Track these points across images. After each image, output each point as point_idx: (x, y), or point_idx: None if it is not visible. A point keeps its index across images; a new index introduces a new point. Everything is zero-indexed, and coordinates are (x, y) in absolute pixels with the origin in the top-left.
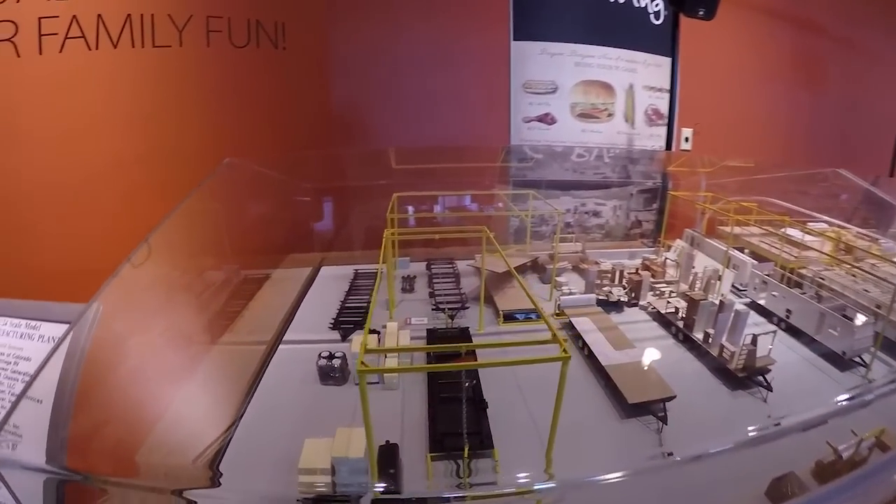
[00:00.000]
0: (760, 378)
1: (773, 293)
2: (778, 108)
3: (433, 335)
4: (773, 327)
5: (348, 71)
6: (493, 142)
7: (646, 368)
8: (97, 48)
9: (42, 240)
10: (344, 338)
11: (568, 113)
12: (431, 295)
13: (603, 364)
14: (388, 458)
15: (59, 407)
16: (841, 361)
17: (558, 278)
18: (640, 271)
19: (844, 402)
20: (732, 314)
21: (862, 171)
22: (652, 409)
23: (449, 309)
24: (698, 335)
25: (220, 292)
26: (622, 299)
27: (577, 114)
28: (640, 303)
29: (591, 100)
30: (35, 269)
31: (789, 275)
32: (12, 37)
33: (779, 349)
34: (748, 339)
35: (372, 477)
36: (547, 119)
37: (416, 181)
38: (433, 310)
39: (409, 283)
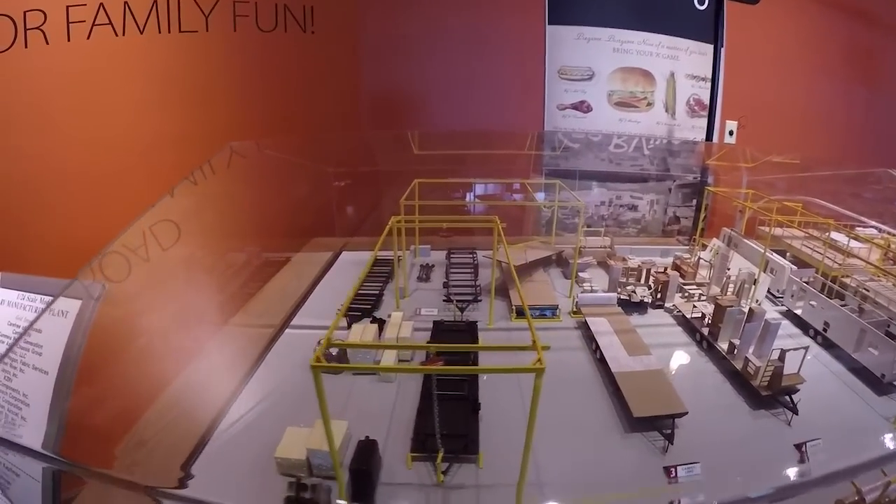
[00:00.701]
0: (787, 398)
1: (811, 303)
2: (831, 103)
3: (439, 327)
4: (808, 341)
5: (379, 55)
6: (527, 129)
7: (659, 379)
8: (124, 34)
9: (72, 220)
10: (350, 325)
11: (605, 101)
12: (445, 285)
13: (613, 371)
14: (364, 455)
15: (60, 384)
16: (879, 384)
17: (582, 274)
18: (668, 271)
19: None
20: (762, 324)
21: None
22: (659, 425)
23: (459, 301)
24: (723, 345)
25: (236, 275)
26: (646, 300)
27: (615, 102)
28: (666, 305)
29: (629, 88)
30: (63, 247)
31: (831, 284)
32: (41, 25)
33: (812, 366)
34: (776, 354)
35: (336, 474)
36: (583, 107)
37: (443, 167)
38: (444, 301)
39: (426, 273)
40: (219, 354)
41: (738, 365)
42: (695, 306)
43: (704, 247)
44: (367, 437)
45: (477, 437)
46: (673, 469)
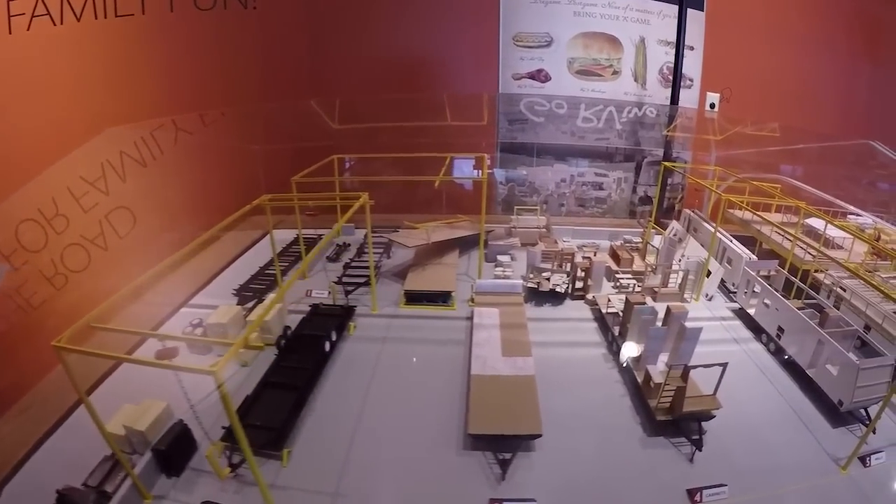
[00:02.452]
0: (696, 425)
1: (766, 302)
2: (830, 78)
3: (315, 312)
4: (757, 349)
5: (326, 28)
6: (479, 102)
7: (523, 389)
8: (62, 23)
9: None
10: (240, 305)
11: (564, 69)
12: (346, 266)
13: (472, 373)
14: (168, 438)
15: None
16: (836, 413)
17: (503, 257)
18: (595, 257)
19: None
20: (677, 329)
21: None
22: (500, 447)
23: (347, 284)
24: (631, 349)
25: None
26: (559, 289)
27: (576, 70)
28: (587, 297)
29: (592, 55)
30: None
31: (795, 279)
32: None
33: (753, 383)
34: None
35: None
36: (540, 76)
37: (391, 140)
38: (334, 283)
39: (336, 252)
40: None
41: (641, 377)
42: (609, 300)
43: (663, 230)
44: (181, 420)
45: (288, 433)
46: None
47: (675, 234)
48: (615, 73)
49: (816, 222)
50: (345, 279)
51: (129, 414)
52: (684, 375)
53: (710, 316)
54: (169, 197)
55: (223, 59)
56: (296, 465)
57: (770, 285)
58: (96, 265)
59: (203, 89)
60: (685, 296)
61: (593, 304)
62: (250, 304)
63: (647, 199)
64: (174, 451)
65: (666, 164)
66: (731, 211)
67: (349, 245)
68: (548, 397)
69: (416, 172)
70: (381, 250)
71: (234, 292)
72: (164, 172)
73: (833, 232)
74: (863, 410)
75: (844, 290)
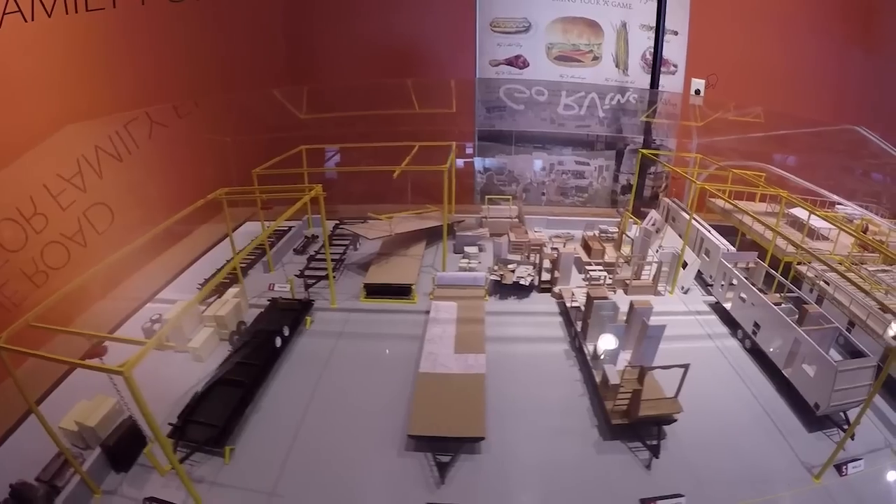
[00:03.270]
0: (657, 429)
1: (742, 296)
2: (822, 65)
3: (273, 306)
4: (732, 346)
5: (302, 14)
6: (455, 89)
7: (471, 388)
8: (33, 20)
9: None
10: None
11: (543, 55)
12: (310, 259)
13: (419, 370)
14: (120, 435)
15: None
16: (813, 417)
17: (470, 249)
18: (563, 248)
19: None
20: (639, 326)
21: None
22: (441, 449)
23: (309, 277)
24: (591, 347)
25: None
26: (523, 282)
27: (555, 56)
28: (554, 290)
29: (571, 40)
30: None
31: (775, 272)
32: None
33: (725, 382)
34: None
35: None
36: (518, 62)
37: (359, 128)
38: (296, 276)
39: (304, 245)
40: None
41: (599, 377)
42: (573, 293)
43: (641, 219)
44: (131, 416)
45: (231, 430)
46: None
47: (653, 224)
48: (595, 58)
49: (801, 212)
50: (307, 272)
51: (82, 410)
52: (641, 377)
53: (684, 310)
54: (144, 191)
55: (197, 49)
56: (237, 462)
57: (748, 278)
58: (76, 261)
59: (178, 80)
60: (659, 288)
61: (560, 297)
62: (211, 300)
63: (629, 188)
64: (122, 446)
65: (643, 151)
66: (713, 200)
67: (318, 237)
68: (501, 397)
69: (390, 162)
70: (346, 242)
71: (199, 286)
72: (139, 166)
73: (818, 223)
74: (842, 414)
75: (828, 284)
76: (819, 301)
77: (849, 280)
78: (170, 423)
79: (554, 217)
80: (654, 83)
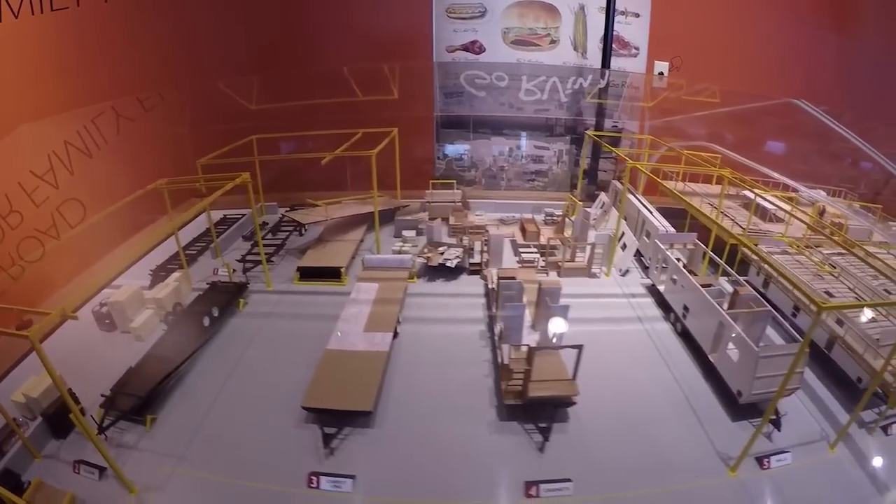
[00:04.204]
0: (549, 413)
1: (673, 278)
2: (792, 48)
3: (211, 289)
4: (664, 329)
5: (263, 3)
6: (413, 74)
7: (370, 365)
8: (0, 21)
9: None
10: (152, 284)
11: (499, 40)
12: (254, 244)
13: (326, 348)
14: (59, 405)
15: None
16: (738, 406)
17: (407, 232)
18: (495, 230)
19: None
20: (547, 306)
21: None
22: (331, 421)
23: (247, 262)
24: (499, 328)
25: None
26: (449, 264)
27: (511, 41)
28: (485, 272)
29: (528, 24)
30: None
31: (711, 254)
32: None
33: (648, 366)
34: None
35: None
36: (474, 48)
37: (320, 116)
38: (238, 261)
39: (252, 231)
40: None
41: (500, 358)
42: (489, 276)
43: (591, 201)
44: (70, 388)
45: (153, 401)
46: (316, 479)
47: (602, 206)
48: (553, 42)
49: (751, 194)
50: (249, 257)
51: (31, 383)
52: (529, 357)
53: (618, 292)
54: (111, 184)
55: (161, 42)
56: (157, 429)
57: (680, 260)
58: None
59: (142, 74)
60: (594, 270)
61: (485, 279)
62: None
63: (590, 171)
64: (60, 415)
65: (590, 133)
66: (666, 182)
67: (268, 224)
68: (407, 375)
69: (348, 149)
70: (291, 228)
71: (150, 272)
72: (107, 160)
73: (770, 205)
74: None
75: (773, 267)
76: (766, 285)
77: (769, 264)
78: (102, 395)
79: (503, 201)
80: (605, 64)
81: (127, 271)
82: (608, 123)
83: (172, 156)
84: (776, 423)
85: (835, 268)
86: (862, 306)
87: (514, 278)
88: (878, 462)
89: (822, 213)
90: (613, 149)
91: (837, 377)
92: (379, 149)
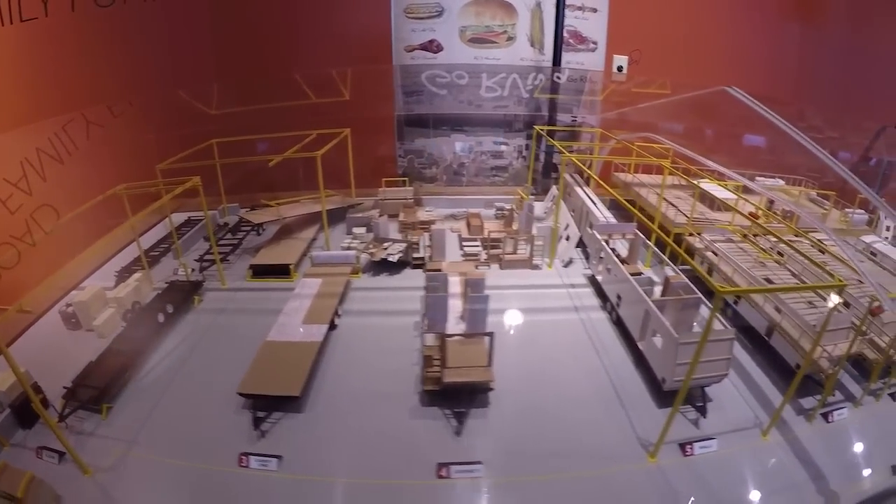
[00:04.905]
0: (466, 398)
1: (608, 267)
2: (755, 40)
3: (169, 287)
4: (601, 318)
5: (225, 10)
6: (374, 74)
7: (301, 354)
8: None
9: None
10: (116, 285)
11: (457, 38)
12: (211, 245)
13: (266, 339)
14: (24, 398)
15: None
16: (664, 393)
17: (357, 229)
18: (433, 225)
19: None
20: (475, 296)
21: (868, 121)
22: (263, 406)
23: (203, 262)
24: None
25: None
26: (391, 259)
27: (469, 39)
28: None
29: (485, 22)
30: None
31: (651, 244)
32: None
33: (579, 356)
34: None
35: None
36: (432, 47)
37: (287, 119)
38: (196, 261)
39: (214, 232)
40: None
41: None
42: (427, 269)
43: (541, 195)
44: (35, 381)
45: (108, 392)
46: (246, 458)
47: (552, 200)
48: (510, 39)
49: (709, 185)
50: (207, 256)
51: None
52: (442, 344)
53: (557, 283)
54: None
55: (127, 50)
56: (112, 417)
57: (615, 251)
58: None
59: (110, 82)
60: (536, 262)
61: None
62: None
63: (552, 166)
64: (26, 407)
65: (538, 128)
66: (616, 174)
67: (229, 224)
68: (340, 364)
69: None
70: (249, 228)
71: (116, 273)
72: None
73: (722, 194)
74: (701, 391)
75: (716, 255)
76: (710, 273)
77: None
78: (64, 387)
79: (456, 197)
80: (557, 60)
81: (96, 273)
82: (567, 118)
83: (145, 161)
84: (701, 410)
85: (782, 255)
86: (758, 291)
87: (440, 270)
88: (812, 449)
89: (771, 201)
90: (555, 142)
91: (777, 364)
92: (325, 150)
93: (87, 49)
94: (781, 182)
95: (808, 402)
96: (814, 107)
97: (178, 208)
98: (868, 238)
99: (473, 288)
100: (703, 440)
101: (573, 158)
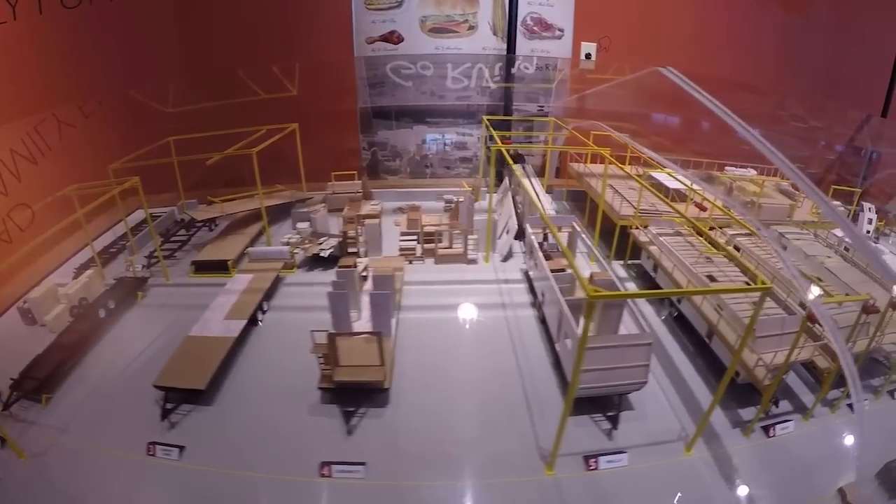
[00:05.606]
0: (358, 397)
1: (536, 262)
2: (734, 28)
3: (117, 283)
4: (527, 316)
5: (192, 7)
6: (336, 68)
7: (216, 348)
8: None
9: None
10: (78, 274)
11: (417, 29)
12: (163, 241)
13: (188, 335)
14: None
15: None
16: (581, 400)
17: (300, 224)
18: (368, 220)
19: None
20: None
21: (851, 108)
22: (173, 398)
23: (152, 258)
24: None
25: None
26: (323, 254)
27: (429, 29)
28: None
29: (445, 11)
30: None
31: (586, 239)
32: None
33: (495, 357)
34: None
35: None
36: (393, 38)
37: (256, 114)
38: (145, 257)
39: (167, 229)
40: None
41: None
42: (359, 264)
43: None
44: None
45: (49, 382)
46: (153, 447)
47: (505, 191)
48: (471, 28)
49: (662, 176)
50: (157, 253)
51: None
52: (331, 342)
53: (491, 278)
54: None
55: (95, 50)
56: (51, 407)
57: (542, 244)
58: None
59: (79, 81)
60: (471, 256)
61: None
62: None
63: (518, 157)
64: None
65: (486, 118)
66: (572, 165)
67: (183, 220)
68: (255, 359)
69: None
70: (201, 224)
71: (75, 270)
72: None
73: (674, 184)
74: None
75: (660, 249)
76: (656, 269)
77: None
78: (11, 378)
79: (408, 189)
80: (511, 48)
81: (60, 269)
82: (534, 108)
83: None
84: (613, 420)
85: (739, 250)
86: (636, 296)
87: (352, 266)
88: (743, 467)
89: (729, 191)
90: (494, 133)
91: (718, 371)
92: (261, 148)
93: (53, 50)
94: (753, 172)
95: (749, 412)
96: (796, 95)
97: (140, 205)
98: (841, 232)
99: (378, 285)
100: (612, 453)
101: (503, 149)
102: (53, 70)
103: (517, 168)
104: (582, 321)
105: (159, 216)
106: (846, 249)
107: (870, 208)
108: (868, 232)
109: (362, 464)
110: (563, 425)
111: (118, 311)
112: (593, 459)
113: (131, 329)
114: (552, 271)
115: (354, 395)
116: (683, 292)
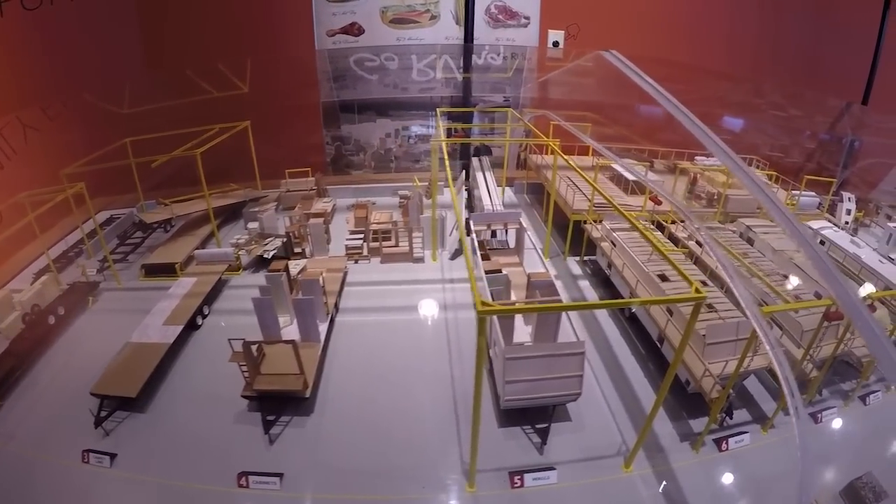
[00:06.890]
0: (275, 407)
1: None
2: (711, 13)
3: (70, 289)
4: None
5: (152, 4)
6: (298, 62)
7: (152, 353)
8: None
9: None
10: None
11: (378, 20)
12: (118, 244)
13: (129, 341)
14: None
15: None
16: (507, 412)
17: (251, 224)
18: (313, 217)
19: None
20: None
21: (832, 95)
22: (108, 406)
23: (103, 262)
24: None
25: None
26: (266, 255)
27: (390, 20)
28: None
29: (406, 1)
30: None
31: (529, 236)
32: None
33: (430, 367)
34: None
35: None
36: (353, 30)
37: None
38: (99, 261)
39: (125, 231)
40: None
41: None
42: (297, 265)
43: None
44: None
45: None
46: (87, 455)
47: (467, 185)
48: (433, 17)
49: (622, 168)
50: (113, 256)
51: None
52: (246, 351)
53: (437, 278)
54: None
55: (57, 51)
56: (2, 414)
57: (485, 240)
58: None
59: (45, 82)
60: (417, 254)
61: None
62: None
63: (484, 150)
64: None
65: (440, 110)
66: (531, 156)
67: (140, 222)
68: (191, 364)
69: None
70: (156, 226)
71: (34, 276)
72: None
73: (633, 177)
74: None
75: (614, 245)
76: (610, 267)
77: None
78: None
79: (363, 185)
80: (468, 38)
81: (20, 275)
82: (500, 98)
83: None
84: (542, 434)
85: (701, 245)
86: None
87: (278, 270)
88: (687, 485)
89: (693, 182)
90: (441, 125)
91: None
92: (206, 148)
93: (14, 52)
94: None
95: (702, 423)
96: (775, 83)
97: (103, 207)
98: (817, 224)
99: (305, 290)
100: (540, 470)
101: (443, 142)
102: (18, 72)
103: (475, 161)
104: (530, 328)
105: (119, 218)
106: (821, 243)
107: (849, 198)
108: (847, 223)
109: (279, 475)
110: (476, 440)
111: (69, 316)
112: (518, 476)
113: (82, 335)
114: (486, 272)
115: (278, 404)
116: (589, 306)
